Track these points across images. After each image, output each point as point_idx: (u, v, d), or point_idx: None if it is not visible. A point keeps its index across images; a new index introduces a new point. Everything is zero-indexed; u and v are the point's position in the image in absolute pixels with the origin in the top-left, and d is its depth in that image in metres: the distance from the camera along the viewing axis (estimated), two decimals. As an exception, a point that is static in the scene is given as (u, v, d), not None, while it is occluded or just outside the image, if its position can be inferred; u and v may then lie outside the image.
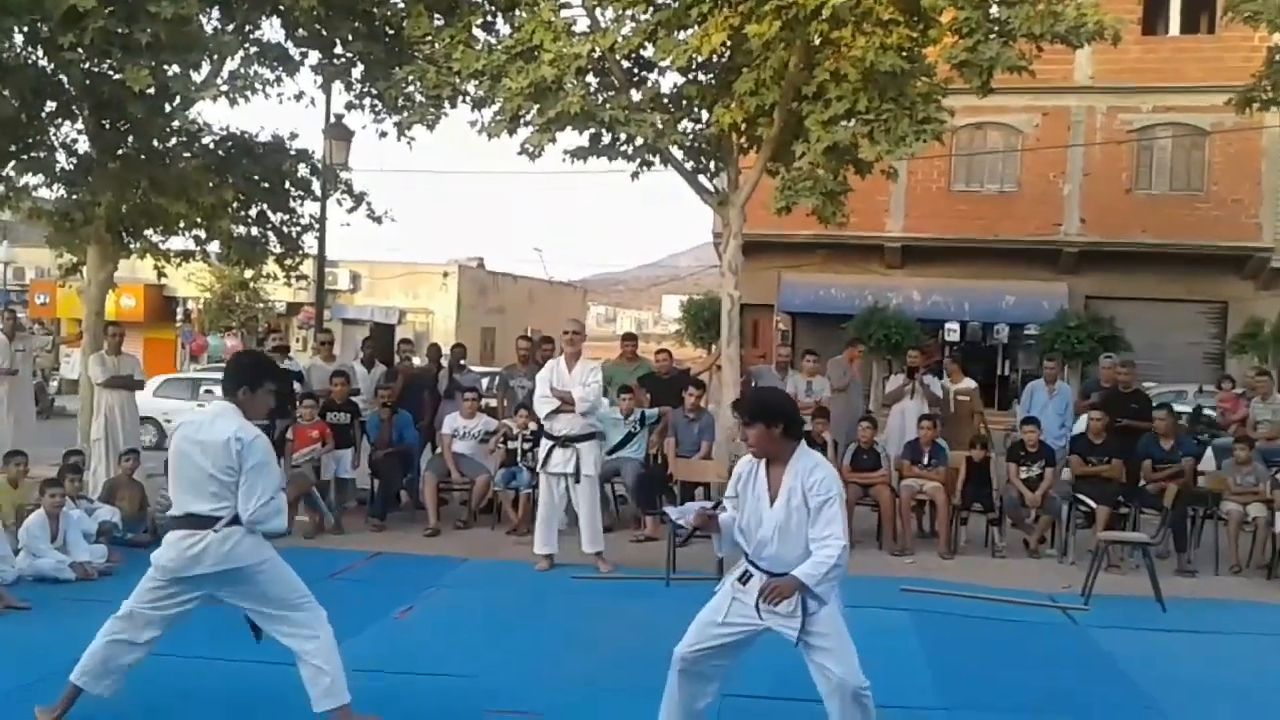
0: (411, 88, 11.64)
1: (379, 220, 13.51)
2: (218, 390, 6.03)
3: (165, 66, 10.39)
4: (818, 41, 9.77)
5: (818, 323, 23.62)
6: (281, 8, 11.36)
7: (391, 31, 12.19)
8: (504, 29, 11.66)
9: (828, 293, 24.17)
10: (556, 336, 9.59)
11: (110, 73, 10.63)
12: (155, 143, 11.57)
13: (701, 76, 11.37)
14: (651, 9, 10.51)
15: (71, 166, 11.71)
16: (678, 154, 11.60)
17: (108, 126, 11.40)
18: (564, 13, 10.74)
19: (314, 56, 12.63)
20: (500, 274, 39.51)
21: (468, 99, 11.48)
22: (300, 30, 12.09)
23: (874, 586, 8.21)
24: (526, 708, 5.39)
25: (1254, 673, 6.58)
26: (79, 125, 11.59)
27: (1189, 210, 22.72)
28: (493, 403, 11.66)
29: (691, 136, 11.71)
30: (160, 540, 4.86)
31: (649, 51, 11.04)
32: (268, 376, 4.98)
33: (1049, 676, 6.30)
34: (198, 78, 10.94)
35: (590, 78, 11.13)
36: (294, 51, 12.29)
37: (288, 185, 12.78)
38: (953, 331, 23.54)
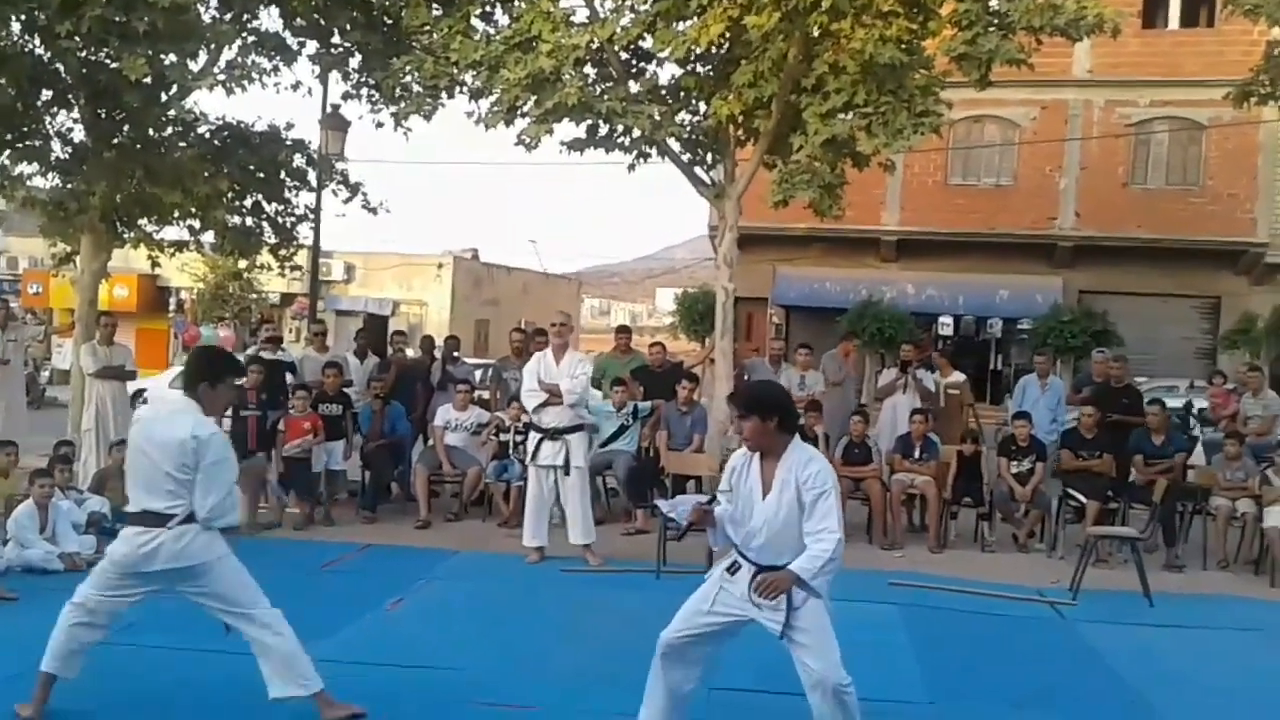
0: (409, 78, 11.65)
1: (374, 211, 13.54)
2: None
3: (162, 55, 10.40)
4: (817, 33, 9.76)
5: (812, 316, 23.62)
6: (279, -3, 11.35)
7: (389, 21, 12.18)
8: (502, 19, 11.67)
9: (822, 286, 24.17)
10: (549, 328, 9.59)
11: (107, 61, 10.62)
12: (151, 132, 11.56)
13: (700, 68, 11.36)
14: (650, 0, 10.50)
15: (66, 155, 11.70)
16: (675, 146, 11.60)
17: (103, 115, 11.39)
18: (562, 3, 10.75)
19: (311, 46, 12.62)
20: (495, 266, 39.45)
21: (465, 89, 11.48)
22: (298, 19, 12.08)
23: (863, 580, 8.22)
24: (517, 700, 5.40)
25: (1241, 667, 6.60)
26: (75, 114, 11.59)
27: (1184, 205, 22.73)
28: (486, 395, 11.65)
29: (689, 128, 11.71)
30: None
31: (647, 43, 11.03)
32: (228, 372, 4.97)
33: (1037, 671, 6.33)
34: (195, 67, 10.94)
35: (588, 69, 11.13)
36: (291, 41, 12.29)
37: (283, 175, 12.78)
38: (946, 325, 23.55)
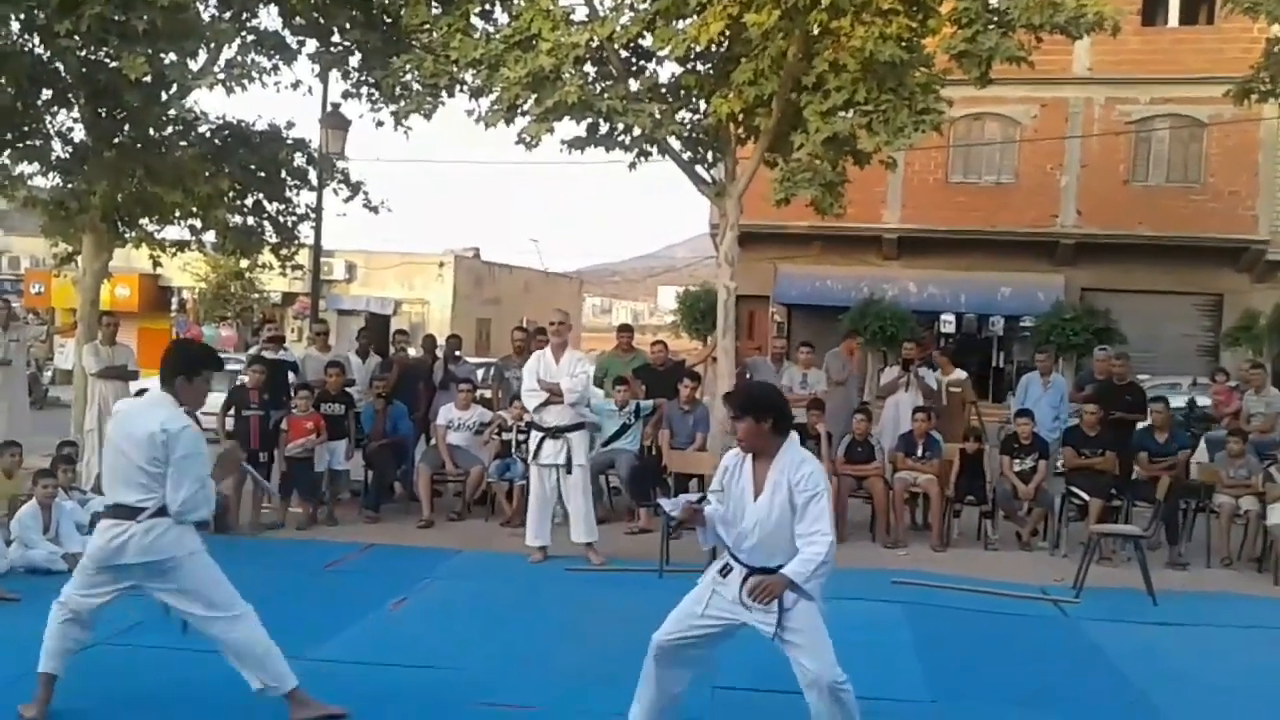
0: (409, 76, 11.64)
1: (375, 210, 13.53)
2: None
3: (162, 54, 10.39)
4: (817, 31, 9.75)
5: (813, 314, 23.62)
6: (278, -5, 11.35)
7: (389, 20, 12.17)
8: (502, 18, 11.65)
9: (824, 284, 24.16)
10: (547, 327, 9.58)
11: (107, 60, 10.61)
12: (151, 131, 11.56)
13: (700, 66, 11.35)
14: (649, -1, 10.49)
15: (67, 155, 11.70)
16: (675, 144, 11.58)
17: (104, 115, 11.39)
18: (562, 1, 10.73)
19: (311, 45, 12.62)
20: (496, 264, 39.46)
21: (465, 88, 11.47)
22: (297, 18, 12.08)
23: (866, 578, 8.23)
24: (520, 700, 5.39)
25: (1244, 665, 6.60)
26: (75, 113, 11.59)
27: (1186, 202, 22.72)
28: (488, 394, 11.65)
29: (689, 127, 11.69)
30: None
31: (647, 41, 11.01)
32: (205, 365, 4.94)
33: (1040, 669, 6.32)
34: (194, 66, 10.93)
35: (588, 67, 11.11)
36: (291, 40, 12.29)
37: (284, 175, 12.78)
38: (948, 323, 23.54)
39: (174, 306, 32.98)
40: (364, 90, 13.04)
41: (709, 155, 12.22)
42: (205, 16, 11.17)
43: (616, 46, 10.93)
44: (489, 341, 33.16)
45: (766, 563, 4.34)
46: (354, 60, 12.89)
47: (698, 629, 4.47)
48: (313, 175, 13.23)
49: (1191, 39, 22.64)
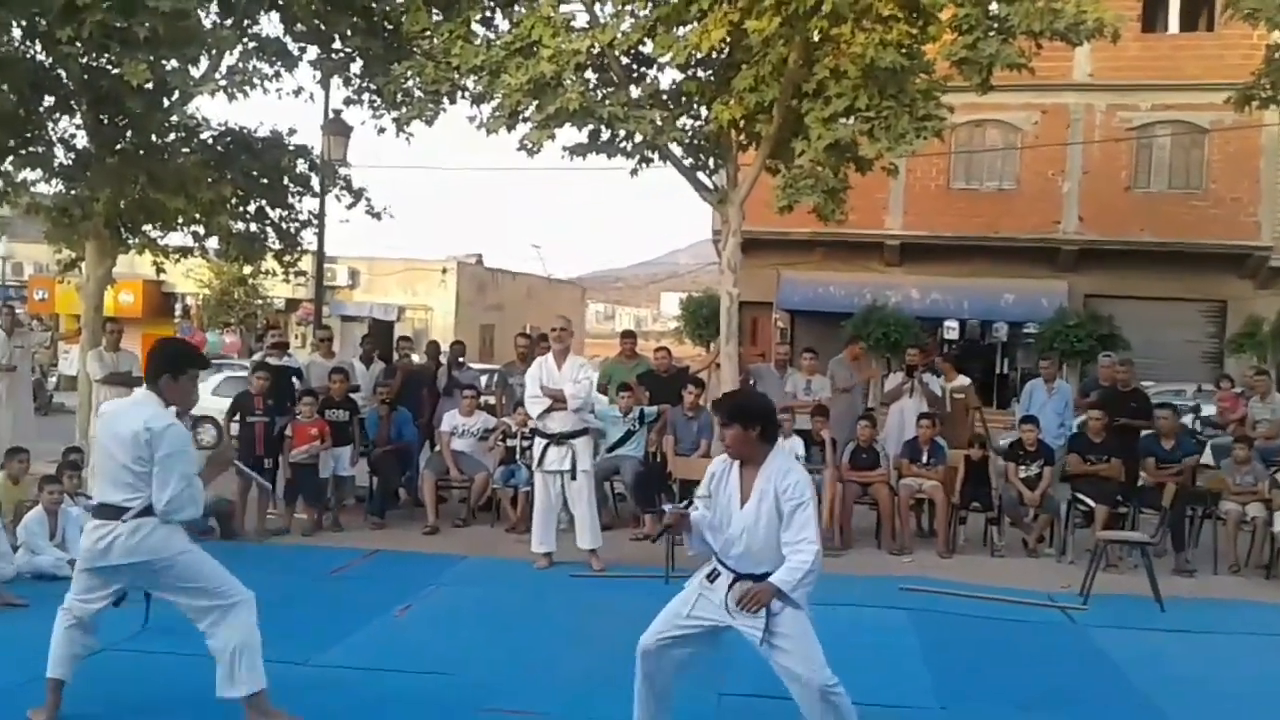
0: (410, 83, 11.63)
1: (378, 216, 13.50)
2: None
3: (164, 61, 10.36)
4: (817, 38, 9.76)
5: (816, 320, 23.59)
6: (280, 3, 11.35)
7: (390, 27, 12.18)
8: (503, 24, 11.66)
9: (826, 290, 24.14)
10: (549, 333, 9.58)
11: (109, 67, 10.61)
12: (154, 138, 11.55)
13: (701, 73, 11.36)
14: (651, 5, 10.50)
15: (70, 161, 11.68)
16: (677, 151, 11.58)
17: (106, 121, 11.38)
18: (563, 8, 10.74)
19: (313, 52, 12.60)
20: (499, 271, 39.49)
21: (466, 95, 11.47)
22: (299, 25, 12.07)
23: (873, 585, 8.23)
24: (525, 706, 5.39)
25: (1252, 672, 6.58)
26: (77, 120, 11.56)
27: (1188, 209, 22.69)
28: (491, 400, 11.65)
29: (690, 133, 11.70)
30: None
31: (648, 48, 11.02)
32: (190, 363, 4.92)
33: (1047, 676, 6.30)
34: (196, 72, 10.92)
35: (589, 74, 11.12)
36: (293, 46, 12.26)
37: (286, 181, 12.75)
38: (951, 330, 23.51)
39: (178, 313, 33.00)
40: (366, 97, 13.03)
41: (711, 162, 12.22)
42: (207, 23, 11.16)
43: (617, 53, 10.95)
44: (492, 348, 33.18)
45: (753, 569, 4.38)
46: (355, 67, 12.88)
47: (682, 629, 4.51)
48: (315, 182, 13.22)
49: (1192, 45, 22.64)
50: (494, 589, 7.95)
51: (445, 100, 11.56)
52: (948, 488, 9.80)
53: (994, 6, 10.10)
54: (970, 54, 10.02)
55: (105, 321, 11.85)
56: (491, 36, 11.45)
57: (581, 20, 10.93)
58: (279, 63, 12.03)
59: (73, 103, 11.29)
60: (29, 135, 11.29)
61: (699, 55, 10.62)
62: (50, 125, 11.59)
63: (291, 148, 12.61)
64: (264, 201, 12.72)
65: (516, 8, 11.11)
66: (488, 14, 11.73)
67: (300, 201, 13.23)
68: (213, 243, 13.08)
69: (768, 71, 10.23)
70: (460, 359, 12.06)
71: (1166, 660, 6.69)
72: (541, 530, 8.66)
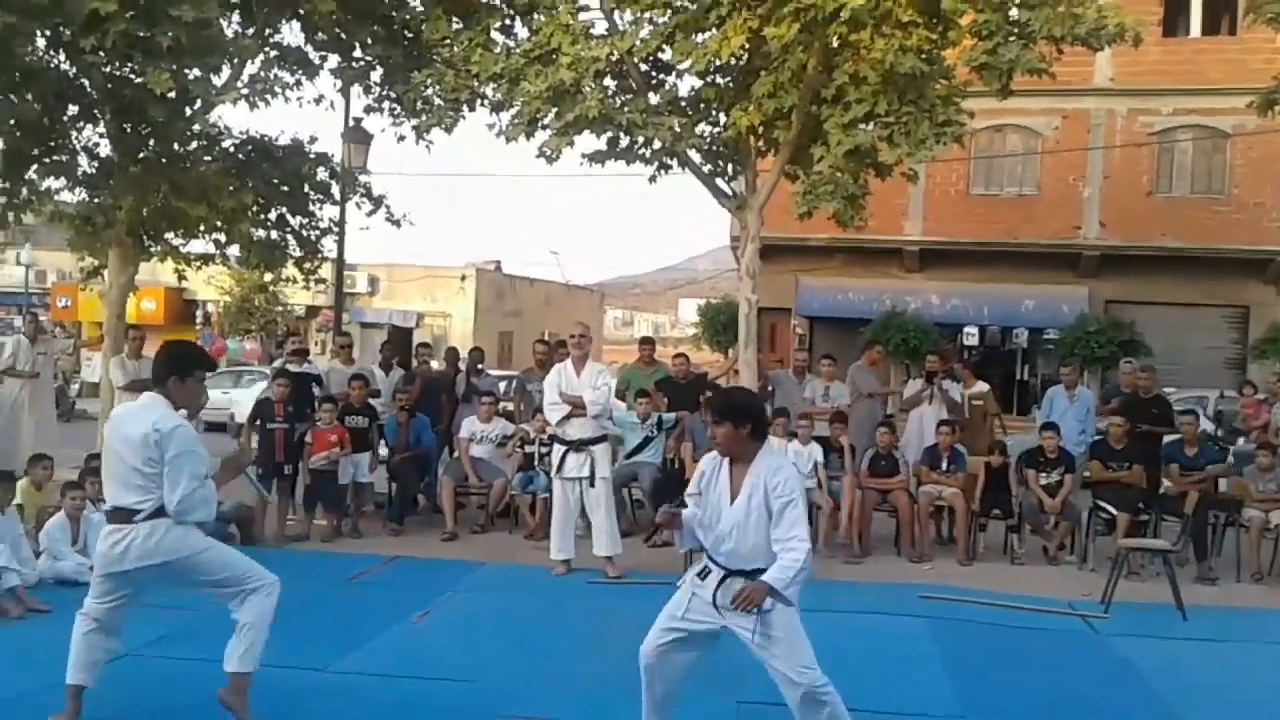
0: (430, 91, 11.69)
1: (398, 223, 13.59)
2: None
3: (186, 70, 10.47)
4: (836, 44, 9.75)
5: (835, 327, 23.55)
6: (301, 12, 11.44)
7: (410, 35, 12.26)
8: (522, 32, 11.70)
9: (845, 296, 24.10)
10: (568, 340, 9.59)
11: (131, 76, 10.72)
12: (176, 146, 11.65)
13: (719, 79, 11.36)
14: (669, 12, 10.51)
15: (93, 170, 11.81)
16: (695, 157, 11.60)
17: (129, 130, 11.49)
18: (582, 16, 10.78)
19: (333, 60, 12.72)
20: (517, 277, 39.59)
21: (486, 102, 11.52)
22: (320, 34, 12.17)
23: (892, 593, 8.20)
24: (542, 712, 5.39)
25: (1274, 681, 6.52)
26: (100, 129, 11.69)
27: (1210, 214, 22.56)
28: (510, 406, 11.67)
29: (709, 139, 11.71)
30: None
31: (667, 54, 11.04)
32: (197, 365, 4.93)
33: (1068, 684, 6.25)
34: (218, 81, 11.02)
35: (608, 81, 11.15)
36: (313, 55, 12.38)
37: (307, 189, 12.86)
38: (971, 336, 23.44)
39: (199, 320, 33.22)
40: (386, 105, 13.11)
41: (729, 168, 12.23)
42: (229, 32, 11.27)
43: (636, 60, 10.97)
44: (511, 354, 33.25)
45: (743, 566, 4.41)
46: (376, 75, 12.97)
47: (677, 632, 4.53)
48: (335, 189, 13.31)
49: (1214, 49, 22.51)
50: (512, 595, 7.95)
51: (465, 108, 11.61)
52: (968, 495, 9.75)
53: (1014, 12, 10.08)
54: (990, 59, 9.99)
55: (128, 328, 11.96)
56: (511, 44, 11.49)
57: (600, 28, 10.98)
58: (300, 71, 12.13)
59: (96, 112, 11.40)
60: (53, 144, 11.42)
61: (718, 62, 10.62)
62: (74, 134, 11.72)
63: (312, 155, 12.72)
64: (285, 209, 12.82)
65: (536, 15, 11.14)
66: (507, 22, 11.78)
67: (321, 209, 13.34)
68: (234, 250, 13.20)
69: (787, 78, 10.23)
70: (479, 365, 12.09)
71: (1188, 669, 6.63)
72: (560, 537, 8.66)
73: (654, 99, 11.27)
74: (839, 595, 8.03)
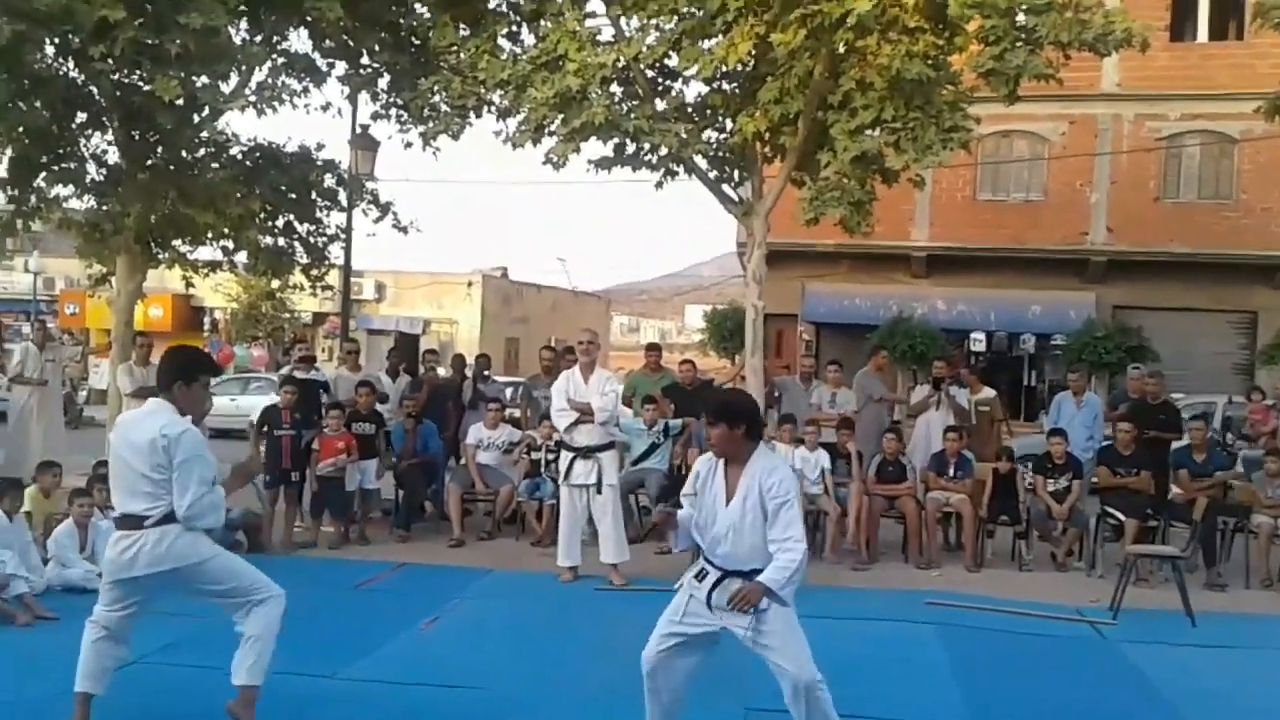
0: (437, 98, 11.70)
1: (404, 230, 13.60)
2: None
3: (194, 77, 10.49)
4: (843, 50, 9.74)
5: (842, 333, 23.52)
6: (309, 19, 11.45)
7: (417, 42, 12.29)
8: (529, 39, 11.71)
9: (852, 302, 24.07)
10: (576, 346, 9.59)
11: (140, 83, 10.76)
12: (184, 153, 11.68)
13: (726, 86, 11.36)
14: (676, 19, 10.51)
15: (101, 177, 11.83)
16: (702, 163, 11.59)
17: (137, 137, 11.52)
18: (589, 23, 10.78)
19: (341, 67, 12.73)
20: (524, 284, 39.64)
21: (493, 109, 11.53)
22: (327, 41, 12.19)
23: (899, 599, 8.18)
24: (550, 719, 5.38)
25: (1287, 689, 6.49)
26: (109, 136, 11.72)
27: (1218, 219, 22.50)
28: (516, 413, 11.67)
29: (715, 146, 11.70)
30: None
31: (673, 61, 11.03)
32: (202, 370, 4.94)
33: (1077, 691, 6.24)
34: (226, 88, 11.05)
35: (615, 87, 11.14)
36: (321, 62, 12.40)
37: (314, 196, 12.88)
38: (978, 342, 23.37)
39: (206, 327, 33.32)
40: (393, 111, 13.14)
41: (735, 174, 12.22)
42: (236, 40, 11.30)
43: (643, 67, 10.96)
44: (517, 361, 33.27)
45: (739, 567, 4.44)
46: (383, 82, 12.99)
47: (677, 636, 4.56)
48: (343, 196, 13.33)
49: (1221, 54, 22.46)
50: (519, 602, 7.95)
51: (471, 114, 11.62)
52: (975, 501, 9.73)
53: (1021, 17, 10.05)
54: (997, 65, 9.97)
55: (135, 335, 11.98)
56: (517, 51, 11.50)
57: (607, 34, 10.97)
58: (307, 78, 12.16)
59: (104, 119, 11.44)
60: (61, 151, 11.45)
61: (724, 68, 10.62)
62: (82, 141, 11.75)
63: (319, 162, 12.74)
64: (292, 216, 12.84)
65: (542, 22, 11.15)
66: (514, 29, 11.79)
67: (328, 216, 13.37)
68: (241, 257, 13.21)
69: (793, 84, 10.21)
70: (485, 372, 12.09)
71: (1198, 675, 6.61)
72: (567, 544, 8.66)
73: (660, 105, 11.27)
74: (846, 602, 8.02)
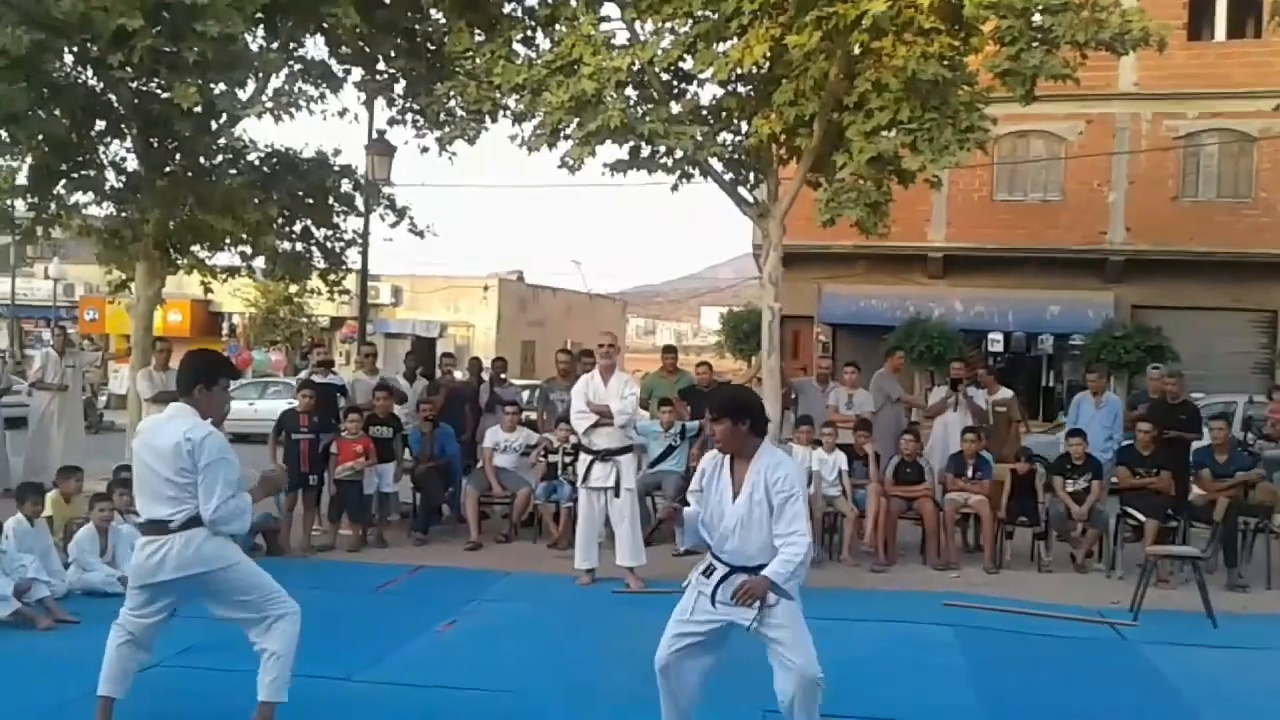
0: (452, 103, 11.74)
1: (421, 234, 13.66)
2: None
3: (212, 84, 10.57)
4: (858, 51, 9.73)
5: (859, 334, 23.47)
6: (325, 26, 11.52)
7: (433, 48, 12.33)
8: (544, 44, 11.73)
9: (869, 304, 24.01)
10: (595, 350, 9.59)
11: (158, 91, 10.83)
12: (202, 160, 11.76)
13: (741, 88, 11.35)
14: (691, 22, 10.52)
15: (120, 184, 11.91)
16: (717, 166, 11.58)
17: (155, 144, 11.60)
18: (603, 27, 10.78)
19: (357, 73, 12.80)
20: (540, 287, 39.71)
21: (508, 113, 11.54)
22: (343, 48, 12.25)
23: (918, 601, 8.16)
24: (568, 722, 5.39)
25: (1309, 690, 6.43)
26: (127, 143, 11.80)
27: (1237, 218, 22.35)
28: (533, 416, 11.68)
29: (731, 148, 11.69)
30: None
31: (688, 64, 11.04)
32: (222, 374, 4.96)
33: (1097, 693, 6.20)
34: (243, 95, 11.11)
35: (630, 91, 11.15)
36: (337, 69, 12.46)
37: (331, 201, 12.94)
38: (996, 342, 23.28)
39: (225, 331, 33.50)
40: (409, 117, 13.19)
41: (751, 176, 12.20)
42: (254, 47, 11.36)
43: (658, 70, 10.97)
44: (534, 364, 33.35)
45: (747, 562, 4.46)
46: (399, 88, 13.05)
47: (688, 635, 4.58)
48: (359, 201, 13.39)
49: (1239, 52, 22.32)
50: (536, 605, 7.96)
51: (487, 119, 11.64)
52: (994, 502, 9.69)
53: (1037, 17, 10.01)
54: (1014, 65, 9.93)
55: (155, 341, 12.04)
56: (533, 56, 11.52)
57: (622, 38, 10.99)
58: (324, 85, 12.23)
59: (123, 127, 11.51)
60: (81, 159, 11.53)
61: (740, 71, 10.61)
62: (101, 149, 11.83)
63: (336, 168, 12.80)
64: (309, 221, 12.90)
65: (557, 27, 11.16)
66: (529, 34, 11.81)
67: (345, 221, 13.42)
68: (259, 262, 13.27)
69: (809, 86, 10.19)
70: (502, 375, 12.12)
71: (1219, 677, 6.55)
72: (585, 547, 8.67)
73: (676, 108, 11.27)
74: (864, 603, 8.00)
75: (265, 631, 4.75)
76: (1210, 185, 22.90)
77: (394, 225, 13.59)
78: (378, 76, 12.88)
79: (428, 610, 7.56)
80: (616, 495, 8.54)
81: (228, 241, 12.57)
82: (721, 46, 10.51)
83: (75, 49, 10.55)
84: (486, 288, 35.08)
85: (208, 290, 13.96)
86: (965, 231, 23.25)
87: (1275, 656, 7.15)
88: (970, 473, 9.87)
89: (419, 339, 31.86)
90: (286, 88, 11.47)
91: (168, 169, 11.74)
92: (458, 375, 12.41)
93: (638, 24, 11.02)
